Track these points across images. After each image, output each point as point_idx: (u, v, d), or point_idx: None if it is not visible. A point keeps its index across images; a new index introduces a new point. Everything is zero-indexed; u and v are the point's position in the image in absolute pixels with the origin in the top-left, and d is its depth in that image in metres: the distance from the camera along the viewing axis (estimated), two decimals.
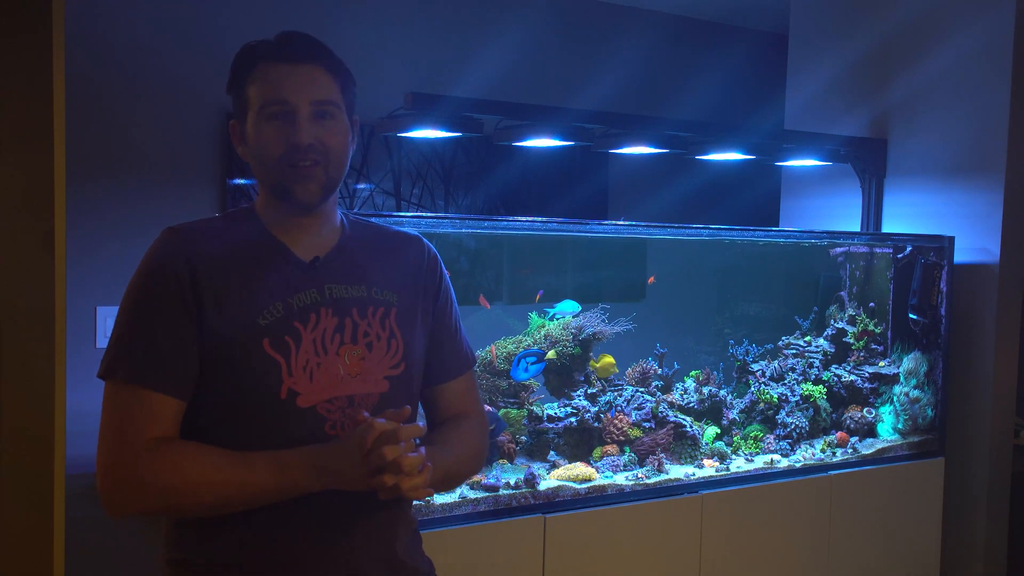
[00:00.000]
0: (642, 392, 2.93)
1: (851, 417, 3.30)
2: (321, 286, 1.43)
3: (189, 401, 1.38)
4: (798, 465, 3.03)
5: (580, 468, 2.64)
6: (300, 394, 1.38)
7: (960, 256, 3.42)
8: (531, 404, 2.74)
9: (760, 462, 2.99)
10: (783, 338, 3.38)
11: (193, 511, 1.36)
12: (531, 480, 2.53)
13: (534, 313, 2.86)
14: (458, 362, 1.61)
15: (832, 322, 3.48)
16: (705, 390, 3.06)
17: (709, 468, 2.86)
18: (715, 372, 3.18)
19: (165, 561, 1.44)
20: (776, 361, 3.27)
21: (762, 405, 3.15)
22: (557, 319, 2.81)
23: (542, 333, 2.81)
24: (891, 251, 3.47)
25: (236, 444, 1.37)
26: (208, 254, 1.38)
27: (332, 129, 1.42)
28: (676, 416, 2.91)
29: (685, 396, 3.03)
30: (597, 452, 2.77)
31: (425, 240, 1.60)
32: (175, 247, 1.38)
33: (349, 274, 1.47)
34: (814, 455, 3.09)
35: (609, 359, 2.89)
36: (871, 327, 3.43)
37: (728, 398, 3.13)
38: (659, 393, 2.98)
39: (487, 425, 1.65)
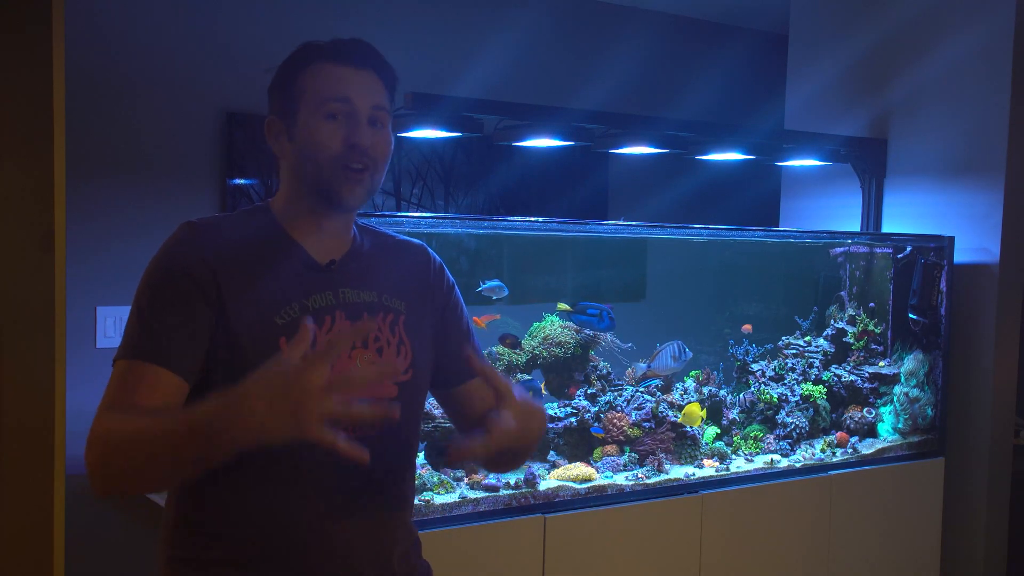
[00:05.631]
0: (642, 392, 2.93)
1: (851, 417, 3.30)
2: (336, 289, 1.44)
3: (194, 387, 1.34)
4: (798, 465, 3.03)
5: (580, 468, 2.64)
6: None
7: (960, 256, 3.42)
8: None
9: (760, 462, 2.99)
10: (783, 338, 3.38)
11: (131, 469, 1.23)
12: (531, 480, 2.53)
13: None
14: (480, 358, 1.60)
15: (832, 322, 3.48)
16: (705, 390, 3.06)
17: (709, 468, 2.86)
18: (715, 372, 3.18)
19: (164, 560, 1.44)
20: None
21: (762, 405, 3.15)
22: (483, 293, 2.75)
23: (544, 333, 2.81)
24: (891, 251, 3.47)
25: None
26: (225, 251, 1.38)
27: (384, 137, 1.43)
28: (676, 416, 2.91)
29: (685, 396, 3.03)
30: (597, 452, 2.77)
31: (430, 249, 1.61)
32: (193, 242, 1.38)
33: (362, 279, 1.47)
34: (814, 455, 3.09)
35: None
36: (871, 327, 3.43)
37: (728, 398, 3.13)
38: (659, 393, 2.98)
39: None
